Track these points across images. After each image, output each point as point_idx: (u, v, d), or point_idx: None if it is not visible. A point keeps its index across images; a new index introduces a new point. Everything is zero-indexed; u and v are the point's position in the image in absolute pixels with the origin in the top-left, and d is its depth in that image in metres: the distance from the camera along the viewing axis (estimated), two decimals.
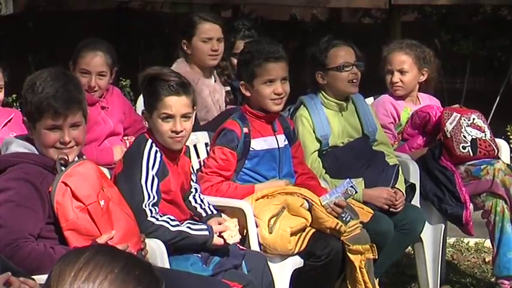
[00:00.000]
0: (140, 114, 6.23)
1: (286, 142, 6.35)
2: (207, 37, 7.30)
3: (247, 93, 6.28)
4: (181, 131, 5.61)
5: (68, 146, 5.04)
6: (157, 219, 5.50)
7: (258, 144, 6.22)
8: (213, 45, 7.29)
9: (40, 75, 5.17)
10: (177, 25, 7.58)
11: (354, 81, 6.70)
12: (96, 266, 2.95)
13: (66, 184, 4.98)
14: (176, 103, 5.61)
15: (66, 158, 5.06)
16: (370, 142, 6.84)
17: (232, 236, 5.66)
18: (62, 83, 5.11)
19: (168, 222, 5.52)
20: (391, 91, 7.28)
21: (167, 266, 5.49)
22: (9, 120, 6.41)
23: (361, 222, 6.15)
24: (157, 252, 5.44)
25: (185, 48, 7.35)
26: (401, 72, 7.23)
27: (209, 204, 5.93)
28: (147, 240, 5.34)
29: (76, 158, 5.17)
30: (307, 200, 6.03)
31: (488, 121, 7.34)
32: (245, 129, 6.17)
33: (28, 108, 5.10)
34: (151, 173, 5.58)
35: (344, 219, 6.05)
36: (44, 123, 5.02)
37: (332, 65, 6.68)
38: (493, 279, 7.12)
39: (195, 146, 6.43)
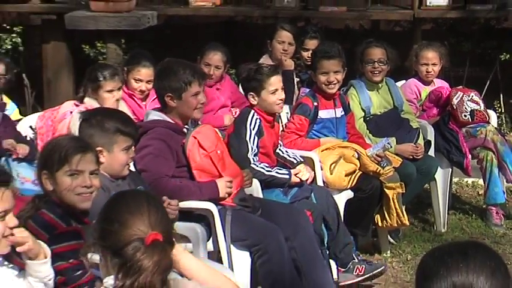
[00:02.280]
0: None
1: (343, 113, 6.34)
2: (281, 40, 7.31)
3: (314, 79, 6.30)
4: (281, 99, 5.72)
5: (204, 104, 5.25)
6: (256, 166, 5.56)
7: (323, 114, 6.23)
8: (284, 47, 7.29)
9: (174, 63, 5.31)
10: (267, 33, 7.56)
11: (374, 72, 6.62)
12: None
13: (195, 138, 5.10)
14: (275, 80, 5.70)
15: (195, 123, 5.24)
16: (399, 112, 6.75)
17: (304, 174, 5.72)
18: (193, 67, 5.34)
19: (264, 169, 5.59)
20: (424, 78, 7.17)
21: (261, 196, 5.54)
22: (156, 98, 6.45)
23: (393, 167, 6.13)
24: (254, 187, 5.51)
25: (269, 47, 7.34)
26: (434, 64, 7.12)
27: (294, 154, 5.95)
28: None
29: (199, 123, 5.32)
30: (357, 152, 6.03)
31: (482, 97, 7.25)
32: (315, 103, 6.19)
33: (176, 85, 5.17)
34: (253, 132, 5.62)
35: (382, 165, 6.05)
36: (191, 91, 5.14)
37: (363, 59, 6.64)
38: (484, 206, 7.03)
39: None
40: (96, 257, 3.13)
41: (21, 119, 6.57)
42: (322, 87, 6.20)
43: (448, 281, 2.47)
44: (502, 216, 6.88)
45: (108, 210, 2.93)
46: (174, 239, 2.95)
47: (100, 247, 2.89)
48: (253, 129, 5.63)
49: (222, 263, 4.92)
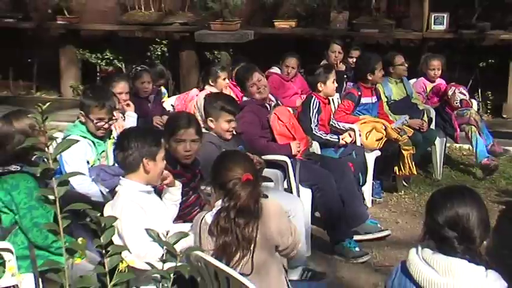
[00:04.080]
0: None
1: (376, 100, 6.12)
2: (333, 50, 7.13)
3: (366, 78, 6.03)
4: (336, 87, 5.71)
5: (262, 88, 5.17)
6: (317, 132, 5.49)
7: (364, 100, 6.02)
8: (335, 55, 7.10)
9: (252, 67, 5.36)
10: (325, 46, 7.39)
11: (404, 70, 6.43)
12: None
13: (275, 113, 5.07)
14: (334, 74, 5.63)
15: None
16: (410, 98, 6.52)
17: (348, 139, 5.60)
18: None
19: (322, 135, 5.52)
20: (431, 78, 6.87)
21: (319, 153, 5.46)
22: None
23: (408, 136, 5.95)
24: (315, 147, 5.45)
25: (326, 55, 7.16)
26: (438, 69, 6.84)
27: (342, 125, 5.83)
28: None
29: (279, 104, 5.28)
30: (384, 125, 5.86)
31: (467, 90, 6.98)
32: (359, 93, 6.00)
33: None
34: (314, 111, 5.52)
35: (401, 134, 5.89)
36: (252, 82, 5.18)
37: (393, 63, 6.40)
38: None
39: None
40: (208, 189, 3.57)
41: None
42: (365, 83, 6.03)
43: (453, 210, 2.47)
44: (491, 160, 6.40)
45: (218, 162, 3.13)
46: (260, 178, 3.22)
47: (213, 184, 3.11)
48: (314, 108, 5.52)
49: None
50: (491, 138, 6.69)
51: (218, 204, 3.01)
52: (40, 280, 3.30)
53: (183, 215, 3.75)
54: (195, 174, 3.98)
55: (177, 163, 3.89)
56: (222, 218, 2.94)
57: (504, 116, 8.75)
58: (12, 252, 3.25)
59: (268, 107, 5.21)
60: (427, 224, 2.55)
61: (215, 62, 8.22)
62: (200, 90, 6.09)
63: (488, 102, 8.81)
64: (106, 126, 4.15)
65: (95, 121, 4.10)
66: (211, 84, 6.07)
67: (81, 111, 4.15)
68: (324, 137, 5.51)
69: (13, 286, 3.18)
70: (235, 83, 5.43)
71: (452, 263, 2.44)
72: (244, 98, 5.24)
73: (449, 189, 2.66)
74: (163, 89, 6.73)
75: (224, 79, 6.09)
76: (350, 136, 5.65)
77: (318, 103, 5.55)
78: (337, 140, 5.56)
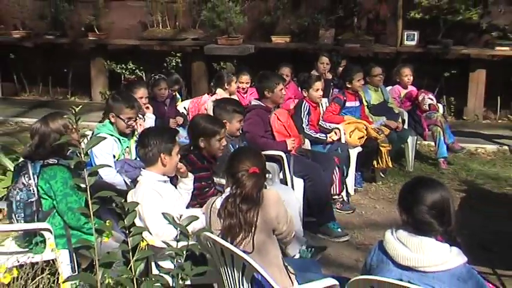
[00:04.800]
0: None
1: (359, 104, 6.05)
2: (322, 62, 7.02)
3: (348, 85, 5.95)
4: (320, 95, 5.55)
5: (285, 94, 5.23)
6: (307, 131, 5.45)
7: (348, 104, 5.96)
8: (323, 66, 6.99)
9: (268, 72, 5.31)
10: (314, 58, 7.33)
11: (379, 80, 6.32)
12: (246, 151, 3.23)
13: (275, 114, 5.02)
14: (318, 83, 5.51)
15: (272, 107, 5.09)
16: (387, 103, 6.44)
17: (334, 137, 5.55)
18: (277, 74, 5.41)
19: (312, 133, 5.49)
20: (405, 84, 6.80)
21: (310, 148, 5.39)
22: (252, 92, 6.33)
23: (385, 135, 5.90)
24: (306, 144, 5.38)
25: (315, 66, 7.07)
26: (410, 75, 6.76)
27: (329, 125, 5.75)
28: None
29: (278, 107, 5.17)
30: (365, 125, 5.79)
31: (434, 96, 6.97)
32: (344, 98, 5.94)
33: (270, 85, 5.08)
34: (305, 113, 5.48)
35: (379, 133, 5.83)
36: (279, 88, 5.08)
37: (370, 73, 6.27)
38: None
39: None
40: (222, 180, 3.50)
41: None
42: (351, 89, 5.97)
43: (437, 194, 2.49)
44: (446, 164, 6.53)
45: (233, 155, 3.12)
46: (266, 172, 3.11)
47: (226, 173, 3.07)
48: (305, 111, 5.48)
49: (287, 185, 4.82)
50: (452, 137, 6.67)
51: (227, 190, 3.00)
52: (74, 255, 3.31)
53: (204, 204, 3.71)
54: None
55: (204, 159, 3.86)
56: (229, 203, 2.94)
57: (465, 117, 8.73)
58: (51, 232, 3.28)
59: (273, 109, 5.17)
60: (409, 212, 2.51)
61: (222, 70, 8.18)
62: (211, 95, 6.08)
63: (452, 106, 8.79)
64: (134, 124, 4.15)
65: (126, 120, 4.10)
66: (226, 87, 6.07)
67: (112, 113, 4.14)
68: (313, 135, 5.47)
69: (52, 260, 3.18)
70: (256, 88, 5.39)
71: (423, 241, 2.44)
72: (253, 102, 5.19)
73: (425, 180, 2.62)
74: (177, 94, 6.71)
75: (236, 82, 6.15)
76: (336, 134, 5.61)
77: (308, 106, 5.52)
78: (325, 138, 5.52)
